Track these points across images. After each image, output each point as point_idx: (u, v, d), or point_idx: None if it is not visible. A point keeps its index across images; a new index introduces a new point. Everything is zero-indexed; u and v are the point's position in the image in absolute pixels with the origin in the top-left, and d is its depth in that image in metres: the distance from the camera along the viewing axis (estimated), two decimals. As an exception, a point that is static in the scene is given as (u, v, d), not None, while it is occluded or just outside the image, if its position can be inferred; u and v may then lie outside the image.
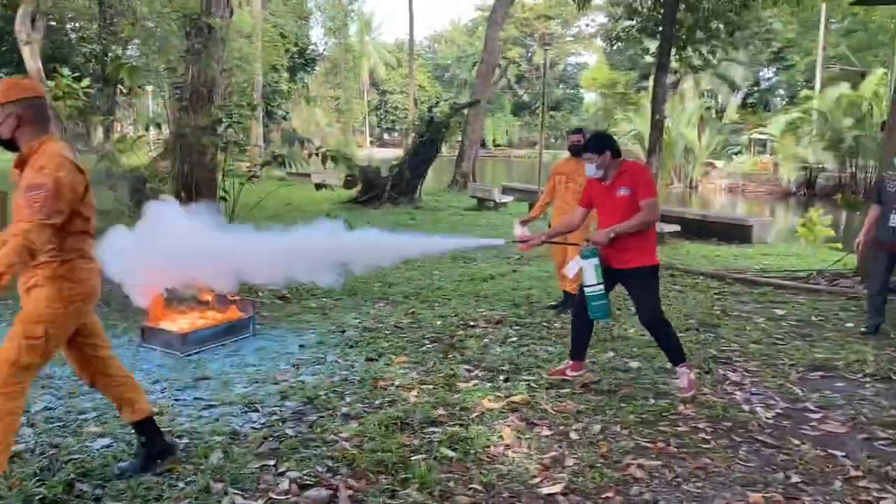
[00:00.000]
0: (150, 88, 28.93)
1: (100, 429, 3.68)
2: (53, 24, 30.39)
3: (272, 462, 3.42)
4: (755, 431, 4.05)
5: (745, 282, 8.41)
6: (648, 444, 3.82)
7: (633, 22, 16.90)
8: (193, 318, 5.58)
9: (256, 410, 4.13)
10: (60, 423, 3.76)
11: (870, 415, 4.32)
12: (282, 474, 3.32)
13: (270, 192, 11.11)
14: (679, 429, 4.06)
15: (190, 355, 5.09)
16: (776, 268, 9.70)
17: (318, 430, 3.85)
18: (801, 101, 36.72)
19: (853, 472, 3.52)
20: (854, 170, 30.65)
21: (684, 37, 15.13)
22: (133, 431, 3.35)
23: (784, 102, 48.11)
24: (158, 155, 12.03)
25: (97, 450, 3.44)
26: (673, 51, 15.47)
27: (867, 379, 5.03)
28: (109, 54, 21.34)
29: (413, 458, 3.52)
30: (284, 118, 33.43)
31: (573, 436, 3.91)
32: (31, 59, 29.34)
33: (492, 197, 18.00)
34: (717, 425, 4.13)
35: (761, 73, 53.05)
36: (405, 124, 47.92)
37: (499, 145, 73.32)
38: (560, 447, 3.75)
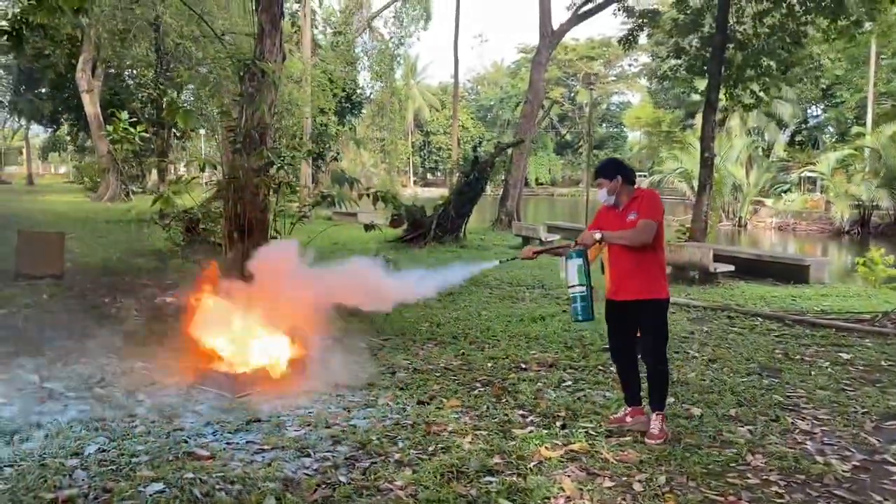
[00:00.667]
0: (202, 132, 29.75)
1: (153, 473, 3.63)
2: (112, 71, 31.64)
3: (326, 511, 3.33)
4: (832, 486, 3.81)
5: (805, 324, 8.10)
6: (718, 498, 3.62)
7: (680, 61, 16.81)
8: (245, 359, 5.55)
9: (309, 455, 4.05)
10: (113, 467, 3.72)
11: (956, 469, 4.05)
12: (336, 524, 3.22)
13: (321, 232, 11.19)
14: (749, 481, 3.84)
15: (242, 397, 5.05)
16: (837, 309, 9.33)
17: (372, 477, 3.74)
18: (851, 139, 35.99)
19: (945, 534, 3.27)
20: (911, 208, 29.76)
21: (734, 75, 14.95)
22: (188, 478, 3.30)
23: (833, 140, 47.18)
24: (211, 196, 12.25)
25: (150, 495, 3.38)
26: (722, 89, 15.32)
27: (949, 429, 4.74)
28: (165, 99, 21.99)
29: (471, 509, 3.39)
30: (335, 159, 34.01)
31: (637, 487, 3.72)
32: (91, 105, 30.60)
33: (537, 235, 17.88)
34: (790, 478, 3.91)
35: (809, 111, 52.25)
36: (448, 164, 48.32)
37: (541, 184, 73.26)
38: (624, 500, 3.58)
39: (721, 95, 16.39)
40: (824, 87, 45.77)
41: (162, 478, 3.58)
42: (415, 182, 71.16)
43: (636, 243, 4.38)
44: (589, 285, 4.46)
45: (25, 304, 8.01)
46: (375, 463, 3.96)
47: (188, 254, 10.07)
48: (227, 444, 4.19)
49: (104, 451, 3.93)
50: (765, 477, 3.91)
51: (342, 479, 3.71)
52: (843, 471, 4.01)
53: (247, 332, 5.84)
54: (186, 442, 4.16)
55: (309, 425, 4.54)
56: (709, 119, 15.27)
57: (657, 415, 4.47)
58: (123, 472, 3.66)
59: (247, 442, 4.23)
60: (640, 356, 4.63)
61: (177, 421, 4.53)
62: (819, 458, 4.17)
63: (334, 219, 23.67)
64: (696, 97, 33.82)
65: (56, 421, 4.36)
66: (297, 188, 10.00)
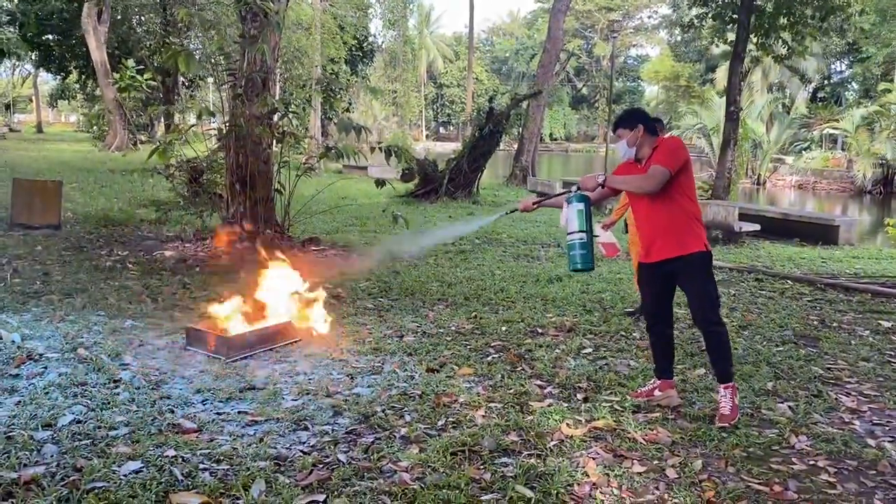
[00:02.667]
0: (211, 80, 29.06)
1: (130, 449, 3.26)
2: (119, 17, 30.91)
3: (321, 498, 2.94)
4: (888, 474, 3.40)
5: (839, 288, 7.64)
6: (762, 488, 3.22)
7: (707, 9, 15.99)
8: (241, 320, 5.16)
9: (306, 428, 3.67)
10: (88, 441, 3.35)
11: None
12: (332, 513, 2.84)
13: (328, 185, 10.75)
14: (795, 467, 3.44)
15: (236, 360, 4.68)
16: (871, 273, 8.84)
17: (375, 455, 3.36)
18: (878, 95, 34.80)
19: None
20: (938, 168, 28.91)
21: (766, 23, 14.16)
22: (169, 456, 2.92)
23: (857, 96, 45.82)
24: (219, 146, 11.76)
25: (124, 476, 3.01)
26: (753, 39, 14.57)
27: None
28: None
29: (484, 497, 3.01)
30: (347, 110, 33.25)
31: (670, 473, 3.32)
32: (98, 52, 29.96)
33: (553, 192, 17.33)
34: (840, 464, 3.50)
35: (833, 66, 50.70)
36: (462, 118, 47.32)
37: (556, 139, 72.19)
38: (657, 488, 3.18)
39: (751, 46, 15.62)
40: (850, 41, 44.24)
41: (140, 455, 3.21)
42: (427, 136, 70.16)
43: (643, 190, 3.91)
44: (590, 231, 4.07)
45: (17, 256, 7.65)
46: (379, 439, 3.57)
47: (190, 205, 9.64)
48: (217, 414, 3.82)
49: (80, 422, 3.56)
50: (812, 462, 3.50)
51: (341, 457, 3.33)
52: (899, 456, 3.60)
53: (247, 292, 5.46)
54: (172, 412, 3.78)
55: (308, 394, 4.16)
56: (735, 71, 14.57)
57: (725, 388, 3.96)
58: (99, 447, 3.29)
59: (238, 412, 3.85)
60: (697, 327, 4.25)
61: (164, 388, 4.15)
62: (871, 441, 3.75)
63: (344, 172, 23.21)
64: (719, 49, 32.62)
65: (32, 386, 3.99)
66: (303, 138, 9.50)
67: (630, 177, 4.00)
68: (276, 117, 8.51)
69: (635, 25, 69.09)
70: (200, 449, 3.31)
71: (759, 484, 3.26)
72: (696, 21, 16.68)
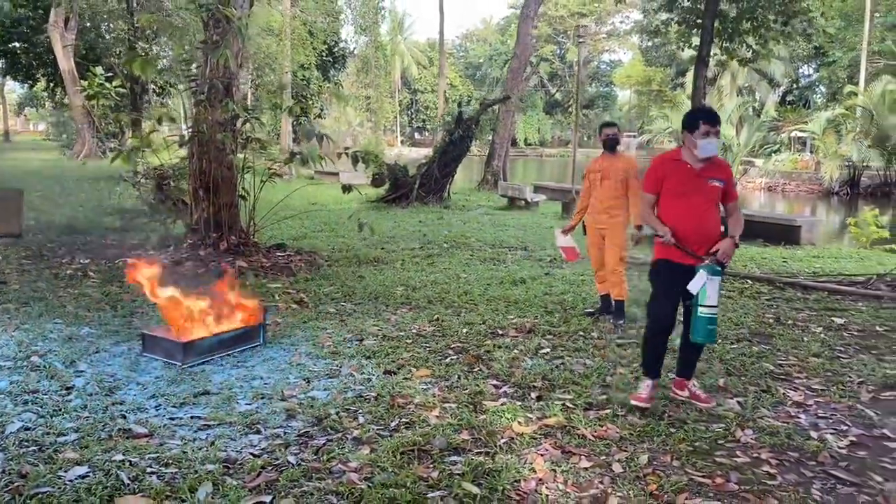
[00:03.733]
0: (182, 87, 28.82)
1: (78, 455, 3.25)
2: (88, 24, 30.60)
3: (268, 499, 2.96)
4: (828, 464, 3.50)
5: (797, 286, 7.79)
6: (705, 480, 3.29)
7: (672, 14, 16.20)
8: (201, 325, 5.15)
9: (258, 432, 3.68)
10: (35, 448, 3.33)
11: (960, 445, 3.74)
12: (278, 514, 2.86)
13: (295, 191, 10.75)
14: (738, 460, 3.52)
15: (193, 366, 4.67)
16: (829, 271, 9.03)
17: (325, 457, 3.38)
18: (844, 98, 35.49)
19: (954, 521, 2.96)
20: (901, 168, 29.53)
21: (730, 28, 14.39)
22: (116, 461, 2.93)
23: (825, 99, 46.65)
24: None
25: (70, 481, 3.01)
26: (717, 43, 14.79)
27: (950, 400, 4.43)
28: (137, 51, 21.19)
29: (430, 494, 3.04)
30: (319, 116, 33.17)
31: (616, 468, 3.39)
32: (65, 59, 29.63)
33: (523, 196, 17.47)
34: (783, 456, 3.59)
35: (801, 70, 51.58)
36: (436, 123, 47.45)
37: (530, 144, 72.56)
38: (601, 482, 3.24)
39: (717, 50, 15.85)
40: (817, 45, 45.06)
41: (88, 460, 3.20)
42: (402, 142, 70.16)
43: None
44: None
45: (-25, 266, 7.56)
46: (331, 440, 3.60)
47: (155, 213, 9.60)
48: (170, 419, 3.82)
49: (29, 429, 3.54)
50: (755, 455, 3.58)
51: (291, 459, 3.35)
52: (839, 447, 3.69)
53: (209, 297, 5.44)
54: (124, 417, 3.78)
55: (263, 398, 4.17)
56: (700, 74, 14.74)
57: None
58: (46, 453, 3.28)
59: (192, 417, 3.86)
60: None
61: (118, 394, 4.14)
62: (813, 434, 3.85)
63: (317, 178, 23.15)
64: (687, 54, 33.10)
65: (-18, 394, 3.97)
66: (268, 144, 9.48)
67: (741, 226, 4.20)
68: (239, 123, 8.49)
69: (608, 31, 69.65)
70: (149, 453, 3.32)
71: (701, 476, 3.33)
72: (661, 27, 16.89)
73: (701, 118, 4.07)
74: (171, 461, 3.25)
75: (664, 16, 17.04)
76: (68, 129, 31.29)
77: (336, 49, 29.69)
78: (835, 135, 31.33)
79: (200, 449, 3.42)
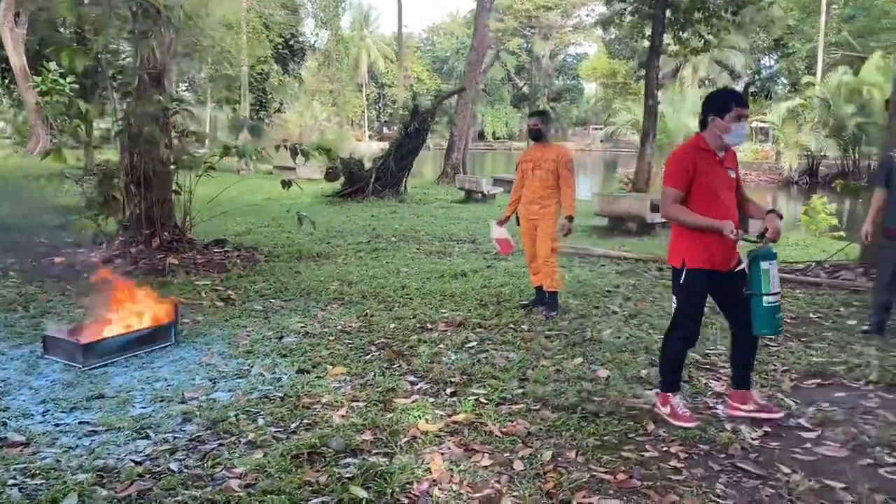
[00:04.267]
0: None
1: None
2: (39, 19, 29.79)
3: (136, 509, 2.78)
4: (737, 457, 3.39)
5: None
6: (607, 476, 3.17)
7: (625, 5, 16.21)
8: (108, 324, 4.93)
9: (147, 437, 3.49)
10: None
11: (873, 433, 3.67)
12: (142, 526, 2.68)
13: (229, 186, 10.51)
14: (647, 454, 3.41)
15: (93, 368, 4.45)
16: (773, 259, 9.00)
17: (210, 463, 3.20)
18: (802, 89, 35.92)
19: (853, 512, 2.87)
20: (857, 157, 29.94)
21: (682, 18, 14.41)
22: None
23: (786, 90, 47.24)
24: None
25: (-80, 496, 2.80)
26: (670, 34, 14.82)
27: (870, 387, 4.39)
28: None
29: (314, 500, 2.88)
30: (279, 110, 32.72)
31: (517, 465, 3.25)
32: (16, 55, 28.81)
33: (480, 188, 17.35)
34: (693, 449, 3.48)
35: (762, 61, 52.16)
36: (397, 116, 47.24)
37: (499, 137, 72.48)
38: (498, 482, 3.10)
39: (671, 41, 15.90)
40: (776, 37, 45.58)
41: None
42: (370, 136, 69.68)
43: None
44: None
45: None
46: (223, 445, 3.42)
47: (92, 211, 9.27)
48: (55, 425, 3.61)
49: None
50: (665, 449, 3.47)
51: (173, 466, 3.16)
52: (752, 439, 3.60)
53: (119, 298, 5.21)
54: (5, 425, 3.56)
55: (161, 400, 3.97)
56: (652, 65, 14.78)
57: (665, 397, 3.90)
58: None
59: (79, 423, 3.65)
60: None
61: (5, 399, 3.92)
62: (728, 425, 3.75)
63: (275, 173, 22.82)
64: (645, 43, 33.23)
65: None
66: (206, 138, 9.21)
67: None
68: (171, 116, 8.23)
69: (574, 24, 69.84)
70: (17, 464, 3.11)
71: (604, 473, 3.21)
72: (615, 18, 16.89)
73: (733, 100, 3.69)
74: (38, 472, 3.05)
75: (617, 6, 17.06)
76: (22, 127, 30.56)
77: (293, 42, 29.31)
78: (794, 125, 31.70)
79: (78, 457, 3.22)
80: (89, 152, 11.94)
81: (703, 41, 15.68)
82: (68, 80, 18.77)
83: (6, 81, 35.90)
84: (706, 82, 44.89)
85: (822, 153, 30.53)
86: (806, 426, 3.78)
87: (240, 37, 22.88)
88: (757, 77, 51.21)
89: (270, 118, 28.68)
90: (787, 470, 3.26)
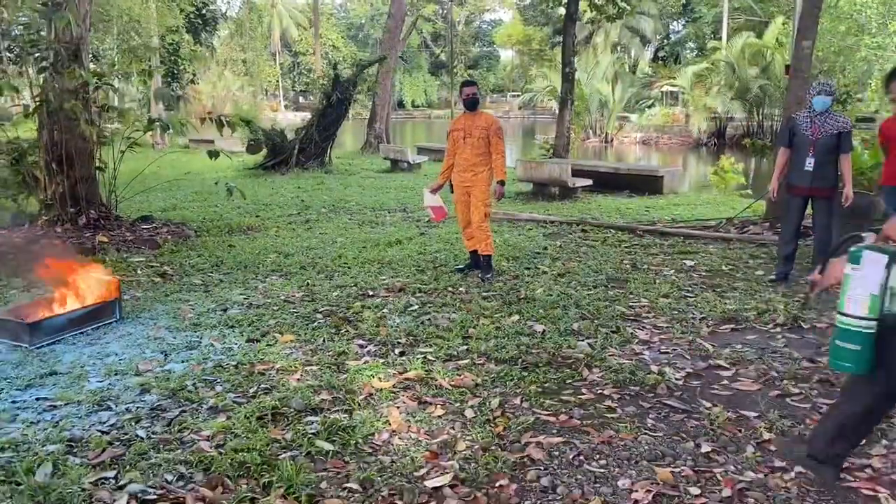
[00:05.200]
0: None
1: None
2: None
3: (112, 474, 2.90)
4: (664, 396, 3.77)
5: (656, 233, 8.24)
6: (550, 418, 3.48)
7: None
8: (50, 304, 4.91)
9: (108, 409, 3.58)
10: None
11: (781, 368, 4.12)
12: (122, 488, 2.81)
13: (153, 162, 10.31)
14: (584, 397, 3.74)
15: (41, 347, 4.46)
16: (687, 218, 9.58)
17: (177, 428, 3.34)
18: (709, 53, 37.28)
19: (766, 436, 3.27)
20: (761, 118, 31.45)
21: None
22: None
23: (694, 54, 48.86)
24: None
25: None
26: (585, 1, 15.18)
27: (777, 329, 4.86)
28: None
29: (282, 455, 3.07)
30: (192, 81, 31.71)
31: (469, 414, 3.53)
32: None
33: (405, 158, 17.46)
34: (624, 390, 3.83)
35: (672, 27, 53.74)
36: (315, 86, 46.38)
37: (418, 106, 72.27)
38: (453, 429, 3.36)
39: (586, 8, 16.29)
40: (684, 2, 47.06)
41: None
42: (286, 106, 68.17)
43: None
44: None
45: None
46: (185, 412, 3.55)
47: (9, 190, 8.96)
48: (12, 403, 3.65)
49: None
50: (599, 391, 3.81)
51: (141, 433, 3.29)
52: (676, 379, 3.98)
53: (57, 276, 5.18)
54: (-41, 406, 3.58)
55: (116, 374, 4.05)
56: (569, 32, 15.15)
57: None
58: None
59: (37, 399, 3.70)
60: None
61: (-46, 382, 3.91)
62: (654, 368, 4.12)
63: (192, 147, 22.26)
64: (562, 12, 33.72)
65: None
66: (126, 112, 9.01)
67: None
68: (91, 91, 8.02)
69: (488, -10, 69.91)
70: (-13, 440, 3.17)
71: (547, 415, 3.52)
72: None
73: None
74: (6, 446, 3.12)
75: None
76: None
77: (206, 10, 28.39)
78: (702, 88, 32.95)
79: (43, 431, 3.30)
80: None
81: (616, 8, 16.14)
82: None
83: None
84: (618, 48, 46.02)
85: (729, 115, 31.89)
86: (723, 365, 4.19)
87: (149, 5, 22.03)
88: (666, 42, 52.76)
89: (184, 90, 27.81)
90: (707, 404, 3.65)
